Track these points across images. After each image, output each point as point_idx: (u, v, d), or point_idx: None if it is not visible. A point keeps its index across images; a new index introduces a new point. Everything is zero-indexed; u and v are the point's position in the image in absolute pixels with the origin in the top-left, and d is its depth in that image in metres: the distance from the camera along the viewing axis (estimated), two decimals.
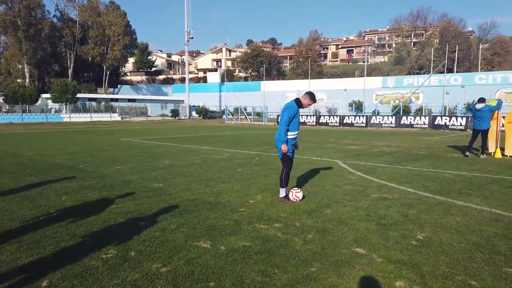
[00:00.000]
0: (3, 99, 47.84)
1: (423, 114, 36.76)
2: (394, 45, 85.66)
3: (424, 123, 29.64)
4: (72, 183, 7.20)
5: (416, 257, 3.71)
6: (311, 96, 5.81)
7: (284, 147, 5.75)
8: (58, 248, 3.87)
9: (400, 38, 76.82)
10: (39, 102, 52.32)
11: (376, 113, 38.37)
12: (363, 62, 66.90)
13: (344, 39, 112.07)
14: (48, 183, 7.17)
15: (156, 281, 3.18)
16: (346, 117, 34.66)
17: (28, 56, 57.64)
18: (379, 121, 32.22)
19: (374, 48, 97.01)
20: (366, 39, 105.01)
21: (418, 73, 63.30)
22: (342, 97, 55.14)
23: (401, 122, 30.84)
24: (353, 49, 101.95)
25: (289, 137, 5.82)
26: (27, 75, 60.16)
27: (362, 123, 32.96)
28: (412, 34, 76.83)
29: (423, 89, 50.52)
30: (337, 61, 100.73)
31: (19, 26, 55.61)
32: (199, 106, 63.69)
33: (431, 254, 3.77)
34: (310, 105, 5.88)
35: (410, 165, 9.82)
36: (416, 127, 29.82)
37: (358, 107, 48.83)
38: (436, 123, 28.98)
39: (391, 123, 31.40)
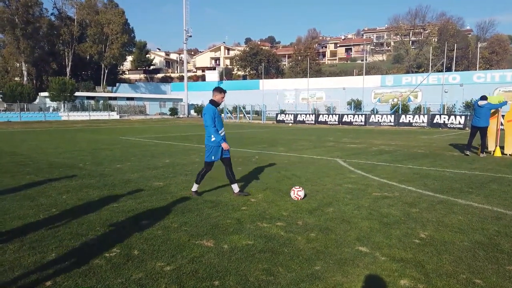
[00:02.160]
0: (1, 98, 47.64)
1: (422, 112, 36.80)
2: (392, 43, 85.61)
3: (423, 122, 29.67)
4: (73, 182, 7.18)
5: (420, 255, 3.71)
6: (219, 90, 6.01)
7: (225, 145, 5.92)
8: (60, 247, 3.86)
9: (398, 36, 76.72)
10: (37, 100, 52.16)
11: (375, 111, 38.38)
12: (362, 60, 66.93)
13: (343, 37, 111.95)
14: (49, 182, 7.14)
15: (160, 279, 3.17)
16: (345, 116, 34.65)
17: (26, 54, 57.33)
18: (378, 120, 32.23)
19: (373, 46, 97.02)
20: (364, 37, 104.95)
21: (416, 72, 63.32)
22: (341, 95, 55.10)
23: (400, 121, 30.86)
24: (351, 48, 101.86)
25: (214, 138, 5.92)
26: (25, 73, 59.85)
27: (361, 121, 32.98)
28: (411, 32, 76.78)
29: (421, 88, 50.59)
30: (335, 59, 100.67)
31: (16, 24, 55.31)
32: (197, 105, 63.53)
33: (435, 253, 3.78)
34: (223, 97, 6.03)
35: (410, 163, 9.83)
36: (415, 126, 29.85)
37: (357, 105, 48.82)
38: (435, 121, 29.01)
39: (390, 121, 31.41)
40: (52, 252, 3.74)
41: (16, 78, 60.22)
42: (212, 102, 5.99)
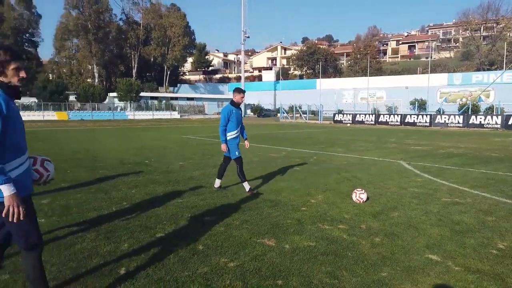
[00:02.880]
0: (75, 98, 51.87)
1: (495, 113, 33.99)
2: (461, 39, 79.96)
3: (496, 123, 27.42)
4: (140, 177, 7.59)
5: (499, 267, 3.42)
6: (238, 90, 6.32)
7: (223, 147, 6.20)
8: (132, 238, 4.09)
9: (468, 32, 71.46)
10: (107, 100, 56.04)
11: (441, 112, 36.19)
12: (426, 58, 63.41)
13: (405, 34, 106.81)
14: (119, 177, 7.62)
15: (224, 275, 3.24)
16: (408, 116, 33.06)
17: (97, 58, 62.01)
18: (445, 121, 30.34)
19: (439, 43, 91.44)
20: (429, 34, 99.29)
21: (488, 69, 58.68)
22: (403, 95, 52.55)
23: (470, 122, 28.79)
24: (415, 45, 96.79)
25: (230, 137, 6.24)
26: (96, 75, 64.74)
27: (426, 122, 31.26)
28: (482, 27, 71.21)
29: (494, 87, 46.74)
30: (397, 57, 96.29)
31: (89, 29, 59.98)
32: (254, 105, 64.26)
33: None
34: (242, 97, 6.29)
35: (482, 168, 9.11)
36: (486, 127, 27.68)
37: (421, 105, 46.26)
38: (510, 123, 26.67)
39: (458, 122, 29.43)
40: (125, 242, 3.97)
41: (88, 80, 65.28)
42: (231, 102, 6.31)
